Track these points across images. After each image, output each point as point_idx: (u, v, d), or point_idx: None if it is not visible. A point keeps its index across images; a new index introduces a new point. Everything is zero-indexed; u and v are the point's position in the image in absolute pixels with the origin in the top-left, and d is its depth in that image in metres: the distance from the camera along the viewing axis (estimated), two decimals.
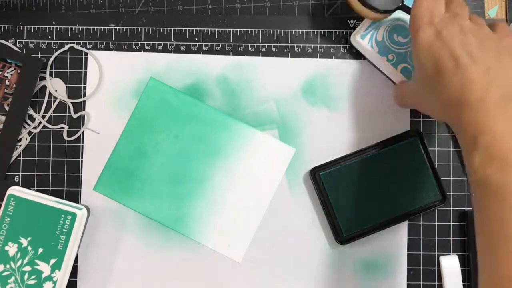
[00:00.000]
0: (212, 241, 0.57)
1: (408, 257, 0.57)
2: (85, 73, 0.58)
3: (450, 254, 0.57)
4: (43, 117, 0.58)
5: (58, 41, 0.58)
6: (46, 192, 0.57)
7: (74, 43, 0.58)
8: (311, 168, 0.56)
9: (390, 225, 0.56)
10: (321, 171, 0.56)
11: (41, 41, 0.58)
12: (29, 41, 0.58)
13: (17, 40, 0.58)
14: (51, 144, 0.57)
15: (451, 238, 0.57)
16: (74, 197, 0.57)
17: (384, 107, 0.57)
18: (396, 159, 0.56)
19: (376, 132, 0.57)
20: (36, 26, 0.58)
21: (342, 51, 0.58)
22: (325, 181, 0.56)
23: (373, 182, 0.56)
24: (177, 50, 0.58)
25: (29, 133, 0.57)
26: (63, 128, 0.57)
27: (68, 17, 0.58)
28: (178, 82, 0.58)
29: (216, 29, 0.58)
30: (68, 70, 0.58)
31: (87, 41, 0.58)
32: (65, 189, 0.57)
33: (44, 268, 0.54)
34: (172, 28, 0.58)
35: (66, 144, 0.57)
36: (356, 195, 0.56)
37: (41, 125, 0.58)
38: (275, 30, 0.58)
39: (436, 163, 0.58)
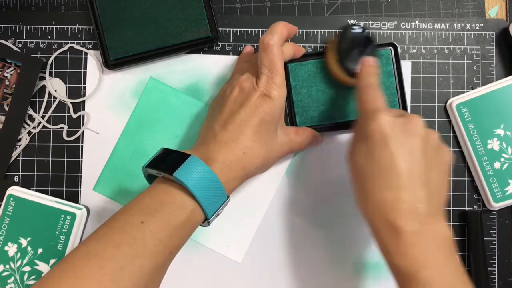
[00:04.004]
0: (212, 241, 0.57)
1: None
2: (85, 73, 0.58)
3: None
4: (42, 117, 0.57)
5: (58, 41, 0.58)
6: (46, 192, 0.57)
7: (74, 43, 0.58)
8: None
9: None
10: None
11: (41, 41, 0.58)
12: (29, 41, 0.58)
13: (17, 40, 0.58)
14: (51, 144, 0.57)
15: None
16: (74, 197, 0.57)
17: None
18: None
19: None
20: (36, 26, 0.58)
21: None
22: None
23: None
24: None
25: (29, 133, 0.57)
26: (63, 128, 0.57)
27: (68, 17, 0.58)
28: (178, 82, 0.58)
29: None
30: (67, 70, 0.58)
31: (87, 41, 0.58)
32: (64, 189, 0.57)
33: (44, 268, 0.54)
34: None
35: (66, 144, 0.57)
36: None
37: (40, 125, 0.57)
38: None
39: None
